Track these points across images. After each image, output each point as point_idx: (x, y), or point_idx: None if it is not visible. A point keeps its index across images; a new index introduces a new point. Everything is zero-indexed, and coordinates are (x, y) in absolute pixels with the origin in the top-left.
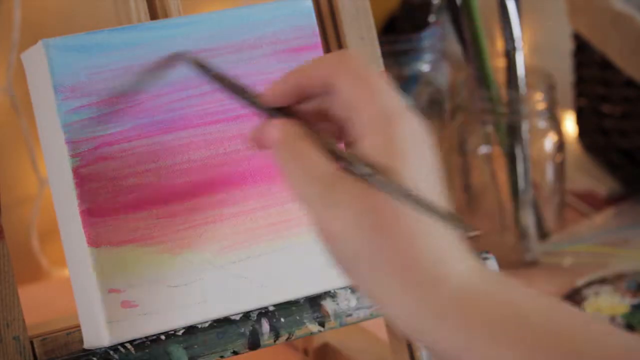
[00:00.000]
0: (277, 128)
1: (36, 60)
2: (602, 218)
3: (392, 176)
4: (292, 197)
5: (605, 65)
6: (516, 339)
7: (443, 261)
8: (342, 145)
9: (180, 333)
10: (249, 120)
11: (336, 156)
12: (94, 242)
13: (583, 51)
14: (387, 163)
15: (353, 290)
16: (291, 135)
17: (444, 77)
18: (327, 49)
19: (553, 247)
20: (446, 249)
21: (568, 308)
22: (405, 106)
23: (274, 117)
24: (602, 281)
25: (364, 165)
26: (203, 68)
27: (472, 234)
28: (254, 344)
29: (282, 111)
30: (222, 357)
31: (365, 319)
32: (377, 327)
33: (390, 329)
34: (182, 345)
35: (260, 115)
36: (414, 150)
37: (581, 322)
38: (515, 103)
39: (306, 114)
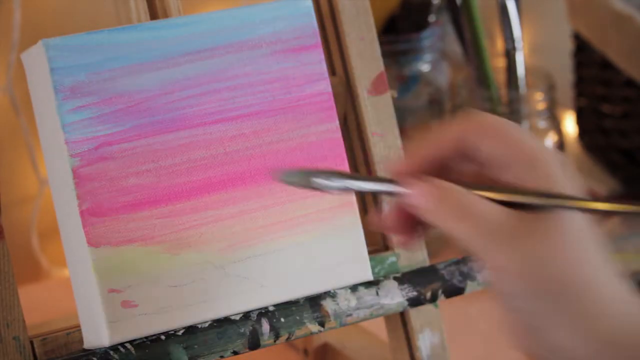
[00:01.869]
0: (427, 189)
1: (36, 60)
2: (610, 226)
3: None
4: (465, 247)
5: (605, 65)
6: None
7: (615, 311)
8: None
9: (180, 333)
10: (249, 120)
11: (507, 196)
12: (94, 242)
13: (583, 51)
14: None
15: (353, 290)
16: (449, 191)
17: (444, 77)
18: (327, 49)
19: None
20: (621, 297)
21: None
22: (547, 147)
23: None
24: None
25: (542, 196)
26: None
27: None
28: (254, 344)
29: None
30: (222, 357)
31: (365, 319)
32: (377, 327)
33: (390, 329)
34: (182, 345)
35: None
36: (571, 186)
37: None
38: (515, 103)
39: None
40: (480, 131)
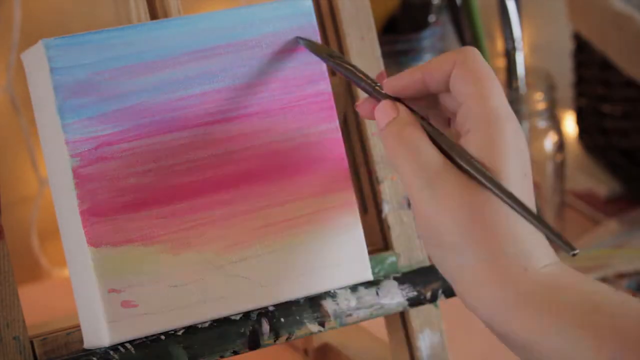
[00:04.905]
0: (390, 110)
1: (36, 60)
2: (615, 225)
3: (493, 175)
4: (406, 180)
5: (605, 65)
6: (589, 328)
7: (529, 253)
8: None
9: (180, 333)
10: (249, 120)
11: (443, 148)
12: (94, 242)
13: (583, 51)
14: (489, 162)
15: (353, 290)
16: (403, 120)
17: None
18: None
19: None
20: (534, 243)
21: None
22: (510, 111)
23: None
24: (602, 281)
25: (471, 160)
26: (324, 52)
27: (572, 251)
28: (254, 344)
29: (399, 102)
30: (222, 357)
31: (365, 319)
32: (377, 327)
33: (390, 329)
34: (182, 345)
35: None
36: (514, 153)
37: None
38: (515, 103)
39: (419, 103)
40: (461, 69)
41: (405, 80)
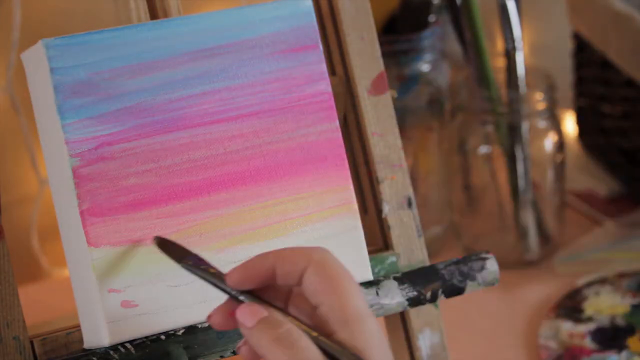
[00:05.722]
0: (258, 308)
1: (36, 60)
2: (614, 226)
3: None
4: None
5: (605, 65)
6: None
7: None
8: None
9: (180, 333)
10: (249, 120)
11: (319, 345)
12: (94, 242)
13: (583, 51)
14: (360, 355)
15: None
16: (276, 319)
17: (444, 77)
18: (327, 49)
19: (569, 258)
20: None
21: None
22: (368, 308)
23: (238, 298)
24: (602, 281)
25: (349, 354)
26: (168, 248)
27: None
28: None
29: (247, 292)
30: (222, 357)
31: None
32: None
33: (390, 329)
34: (182, 345)
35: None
36: (378, 343)
37: None
38: (515, 103)
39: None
40: (315, 271)
41: (252, 271)
